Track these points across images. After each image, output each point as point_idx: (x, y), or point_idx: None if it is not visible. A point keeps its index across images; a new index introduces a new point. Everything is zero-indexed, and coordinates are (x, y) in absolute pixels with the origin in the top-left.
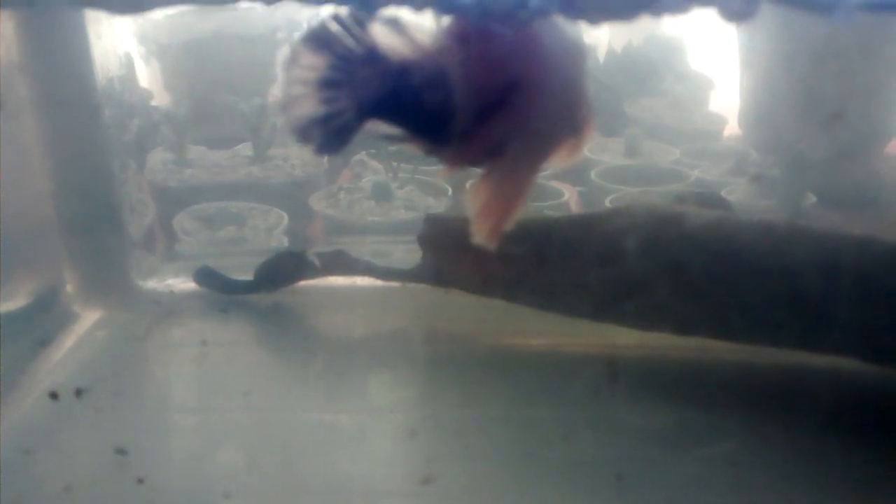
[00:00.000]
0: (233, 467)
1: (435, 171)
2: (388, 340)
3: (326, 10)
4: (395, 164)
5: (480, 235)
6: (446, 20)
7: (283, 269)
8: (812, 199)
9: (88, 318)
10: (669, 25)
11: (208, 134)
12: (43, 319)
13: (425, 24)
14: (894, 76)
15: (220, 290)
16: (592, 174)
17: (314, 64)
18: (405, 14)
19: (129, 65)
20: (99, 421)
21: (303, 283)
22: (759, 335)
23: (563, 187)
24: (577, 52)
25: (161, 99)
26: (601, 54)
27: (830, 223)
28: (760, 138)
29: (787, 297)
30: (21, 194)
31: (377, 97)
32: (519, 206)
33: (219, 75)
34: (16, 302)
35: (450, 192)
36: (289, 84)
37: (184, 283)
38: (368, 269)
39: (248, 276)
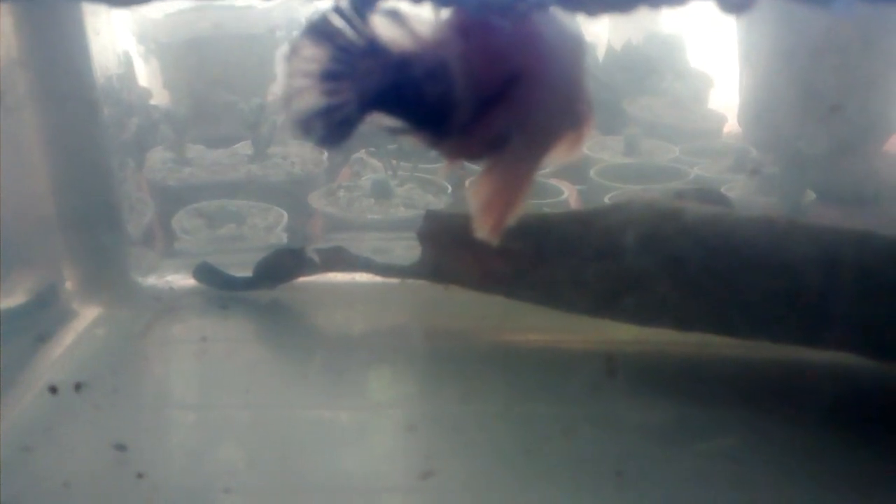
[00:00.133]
0: (232, 463)
1: (434, 168)
2: (388, 337)
3: (326, 4)
4: (394, 161)
5: (483, 231)
6: (446, 12)
7: (282, 266)
8: (812, 196)
9: (88, 315)
10: (668, 22)
11: (207, 132)
12: (42, 316)
13: (425, 17)
14: (893, 68)
15: (220, 287)
16: (592, 172)
17: (316, 56)
18: (405, 6)
19: (128, 63)
20: (98, 417)
21: (302, 279)
22: (759, 330)
23: (562, 185)
24: (577, 45)
25: (160, 97)
26: (601, 52)
27: (830, 220)
28: (760, 136)
29: (786, 292)
30: (21, 191)
31: (378, 89)
32: (521, 201)
33: (218, 74)
34: (15, 299)
35: (449, 189)
36: (290, 77)
37: (183, 280)
38: (368, 266)
39: (248, 273)
